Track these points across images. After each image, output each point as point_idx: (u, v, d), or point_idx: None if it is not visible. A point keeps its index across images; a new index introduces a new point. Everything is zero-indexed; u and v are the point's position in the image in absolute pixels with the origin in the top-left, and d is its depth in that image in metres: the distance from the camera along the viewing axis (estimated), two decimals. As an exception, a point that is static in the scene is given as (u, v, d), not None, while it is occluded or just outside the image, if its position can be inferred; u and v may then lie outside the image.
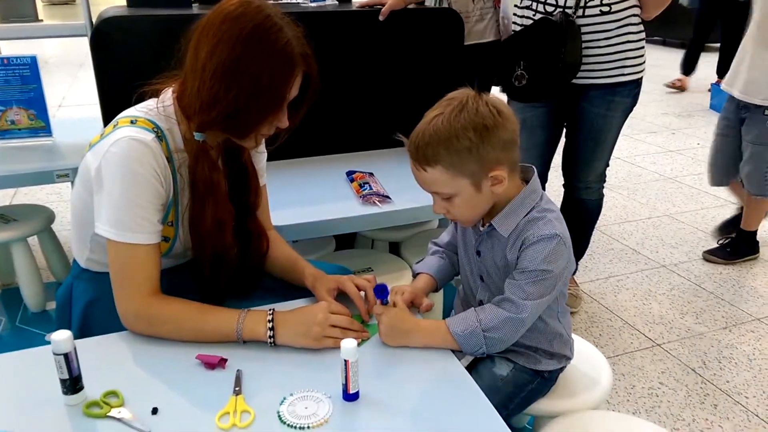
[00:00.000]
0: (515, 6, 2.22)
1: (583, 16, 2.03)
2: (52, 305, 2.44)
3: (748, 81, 2.66)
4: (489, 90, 2.45)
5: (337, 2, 2.44)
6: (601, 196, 2.39)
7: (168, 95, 1.24)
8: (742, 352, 2.27)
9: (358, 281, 1.32)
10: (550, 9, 2.06)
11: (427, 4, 2.75)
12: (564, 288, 1.27)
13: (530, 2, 2.12)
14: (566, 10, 2.02)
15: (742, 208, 3.14)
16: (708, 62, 6.17)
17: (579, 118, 2.21)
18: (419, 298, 1.32)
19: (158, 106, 1.22)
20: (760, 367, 2.18)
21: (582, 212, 2.40)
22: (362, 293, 1.31)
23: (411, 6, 2.30)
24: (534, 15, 2.11)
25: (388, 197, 1.90)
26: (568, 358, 1.37)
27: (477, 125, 1.11)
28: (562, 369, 1.37)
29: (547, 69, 2.08)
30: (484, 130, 1.11)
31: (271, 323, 1.17)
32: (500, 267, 1.25)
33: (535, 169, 1.24)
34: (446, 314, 1.35)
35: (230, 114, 1.16)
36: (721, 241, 3.03)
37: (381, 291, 1.28)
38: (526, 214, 1.20)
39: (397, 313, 1.23)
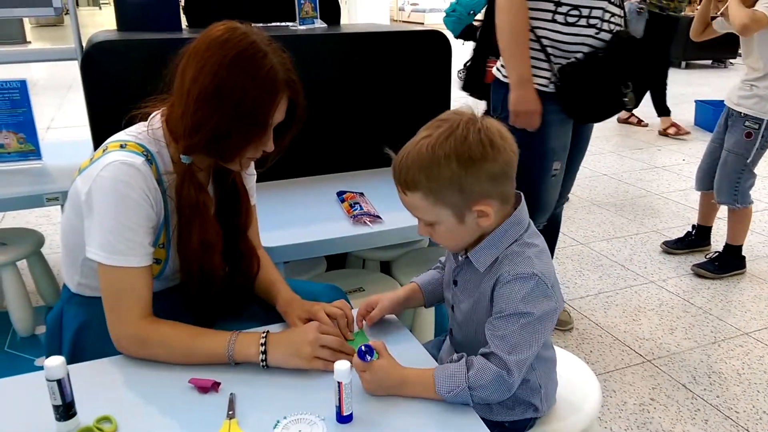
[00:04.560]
0: (560, 24, 1.95)
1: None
2: (41, 330, 2.42)
3: (733, 88, 2.80)
4: None
5: (326, 25, 2.47)
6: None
7: (157, 118, 1.25)
8: (732, 367, 2.28)
9: (330, 309, 1.29)
10: (612, 27, 1.99)
11: None
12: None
13: (596, 21, 1.95)
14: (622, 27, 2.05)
15: (694, 226, 3.21)
16: (692, 80, 6.27)
17: (585, 132, 2.25)
18: (381, 308, 1.30)
19: (147, 130, 1.24)
20: (749, 382, 2.20)
21: (555, 226, 2.45)
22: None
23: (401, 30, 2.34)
24: (597, 33, 1.96)
25: (378, 217, 1.92)
26: (536, 409, 1.20)
27: (461, 155, 1.02)
28: (529, 420, 1.21)
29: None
30: (468, 161, 1.02)
31: (263, 346, 1.17)
32: (472, 301, 1.16)
33: (522, 196, 1.14)
34: (438, 333, 1.34)
35: (213, 138, 1.17)
36: (709, 255, 3.07)
37: (363, 353, 1.08)
38: (507, 248, 1.10)
39: (381, 370, 1.09)
